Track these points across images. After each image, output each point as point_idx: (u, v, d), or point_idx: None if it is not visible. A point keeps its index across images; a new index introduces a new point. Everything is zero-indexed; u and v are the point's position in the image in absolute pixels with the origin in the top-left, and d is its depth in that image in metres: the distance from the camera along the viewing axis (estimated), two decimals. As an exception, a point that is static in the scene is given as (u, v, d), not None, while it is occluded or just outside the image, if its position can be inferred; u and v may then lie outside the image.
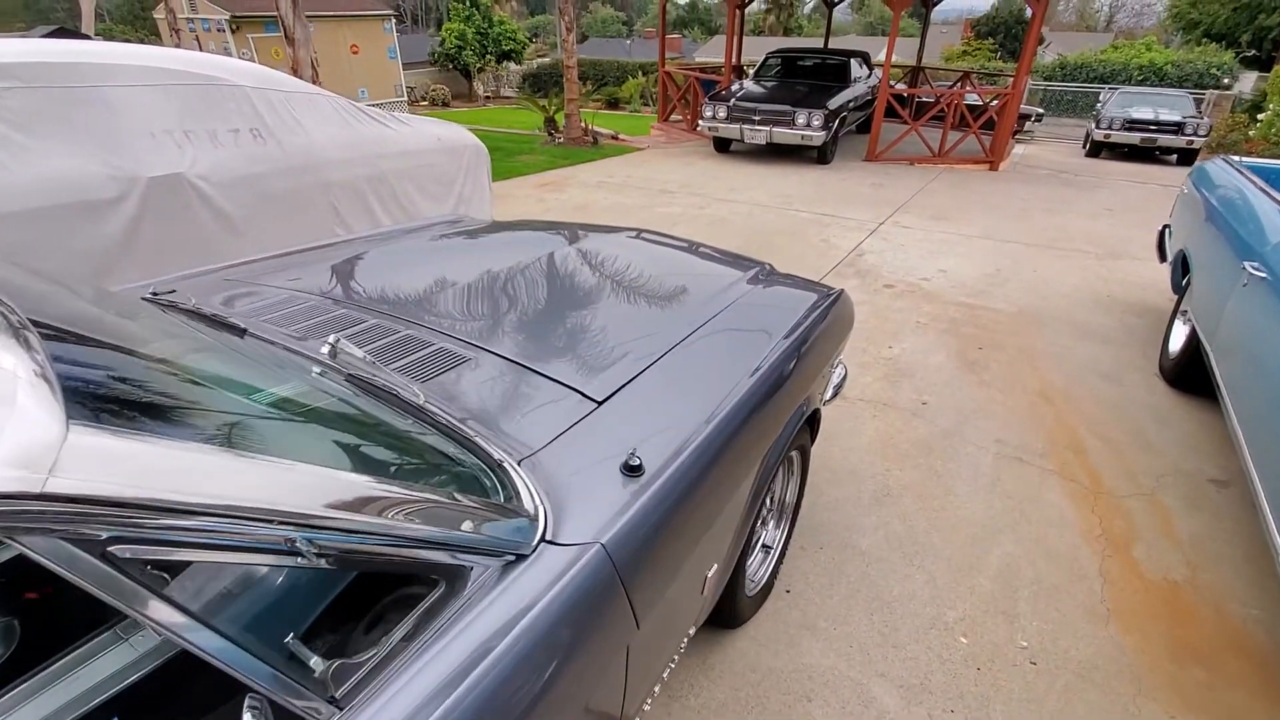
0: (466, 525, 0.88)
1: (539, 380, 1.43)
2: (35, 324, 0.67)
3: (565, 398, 1.37)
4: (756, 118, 9.28)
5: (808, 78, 10.50)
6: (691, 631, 1.55)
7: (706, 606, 1.61)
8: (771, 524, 2.19)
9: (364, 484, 0.79)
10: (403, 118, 4.67)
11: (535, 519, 1.01)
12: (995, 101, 9.85)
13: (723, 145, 10.21)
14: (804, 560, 2.34)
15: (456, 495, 0.92)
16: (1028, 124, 13.40)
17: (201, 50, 14.73)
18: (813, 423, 2.19)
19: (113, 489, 0.55)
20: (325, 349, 1.37)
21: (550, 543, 1.00)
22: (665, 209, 7.04)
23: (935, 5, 14.21)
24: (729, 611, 1.89)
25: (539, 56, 26.03)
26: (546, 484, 1.11)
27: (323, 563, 0.71)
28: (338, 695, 0.73)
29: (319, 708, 0.71)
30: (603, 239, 2.44)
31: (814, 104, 9.14)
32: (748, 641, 2.01)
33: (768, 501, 2.06)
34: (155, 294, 1.62)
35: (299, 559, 0.68)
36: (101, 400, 0.67)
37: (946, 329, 4.31)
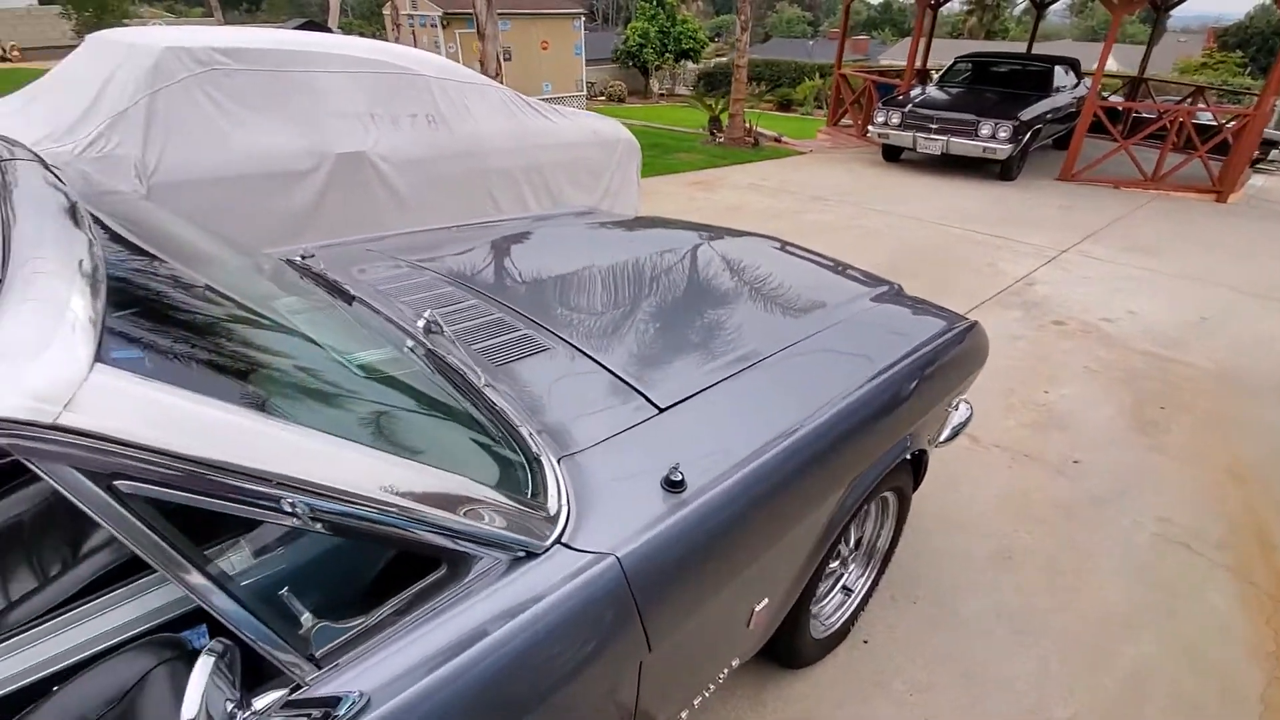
0: (482, 515, 0.89)
1: (608, 379, 1.42)
2: (116, 276, 0.76)
3: (628, 400, 1.35)
4: (933, 125, 8.59)
5: (1001, 85, 9.54)
6: (735, 664, 1.47)
7: (755, 641, 1.52)
8: (854, 567, 2.02)
9: (379, 459, 0.82)
10: (564, 111, 4.89)
11: (555, 519, 1.00)
12: (1233, 123, 8.30)
13: (892, 154, 9.59)
14: (890, 612, 2.14)
15: (482, 483, 0.93)
16: (1272, 152, 11.19)
17: (415, 43, 16.45)
18: (919, 465, 1.99)
19: (128, 431, 0.61)
20: (420, 323, 1.46)
21: (565, 546, 0.98)
22: (815, 216, 6.76)
23: (1170, 9, 12.28)
24: (788, 650, 1.77)
25: (717, 56, 26.10)
26: (581, 485, 1.10)
27: (318, 527, 0.75)
28: (318, 654, 0.76)
29: (299, 664, 0.75)
30: (721, 243, 2.39)
31: (1003, 114, 8.29)
32: (809, 685, 1.88)
33: (847, 542, 1.91)
34: (302, 257, 1.83)
35: (294, 520, 0.72)
36: (155, 349, 0.75)
37: (1122, 379, 3.73)
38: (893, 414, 1.62)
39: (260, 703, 0.65)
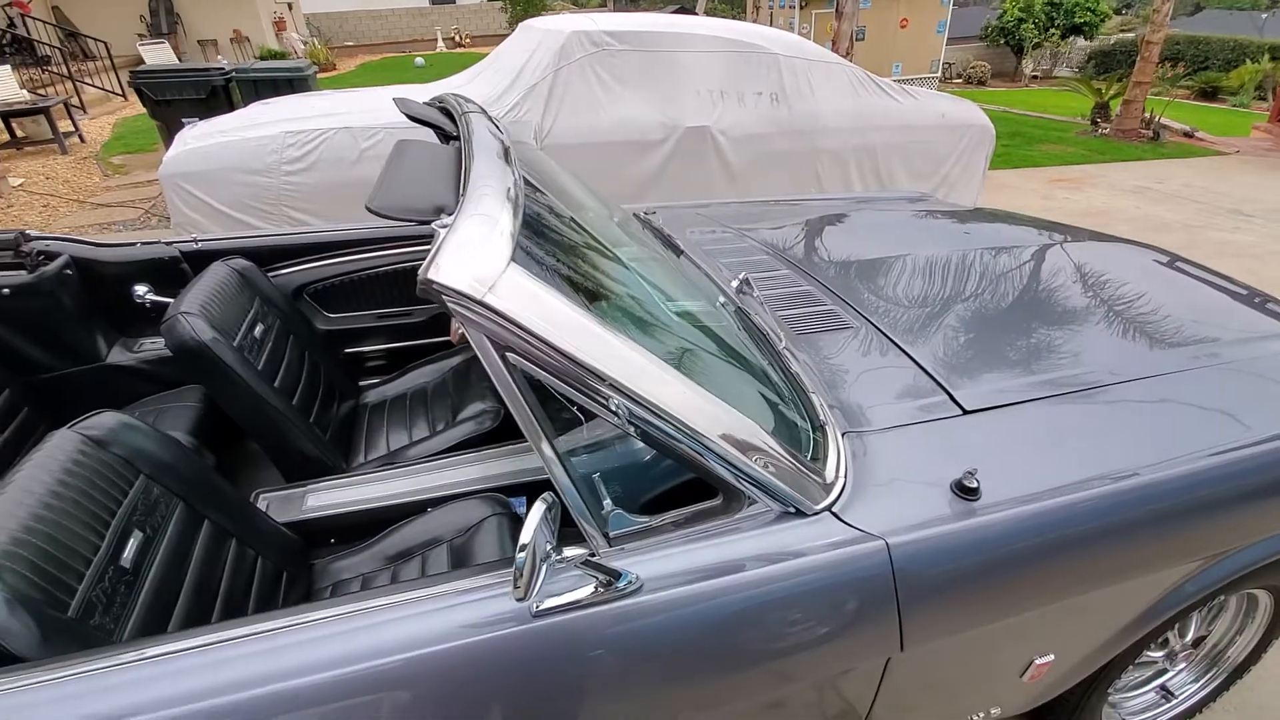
0: (763, 462, 0.95)
1: (912, 369, 1.35)
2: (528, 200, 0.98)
3: (930, 394, 1.28)
4: None
5: None
6: (995, 712, 1.32)
7: (1028, 698, 1.34)
8: (1185, 667, 1.62)
9: (689, 387, 0.93)
10: (915, 91, 4.59)
11: (829, 488, 1.01)
12: None
13: (1382, 163, 6.94)
14: (1226, 738, 1.67)
15: (769, 434, 0.99)
16: None
17: (772, 24, 16.84)
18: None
19: (521, 316, 0.80)
20: (735, 282, 1.57)
21: (836, 516, 0.99)
22: (1224, 235, 5.28)
23: None
24: (1068, 725, 1.51)
25: (1122, 31, 21.56)
26: (865, 465, 1.09)
27: (631, 430, 0.88)
28: (611, 534, 0.91)
29: (597, 536, 0.90)
30: (1077, 246, 2.04)
31: None
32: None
33: (1182, 635, 1.53)
34: (646, 213, 2.08)
35: (615, 417, 0.86)
36: (544, 264, 0.95)
37: None
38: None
39: (569, 552, 0.80)
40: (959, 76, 19.04)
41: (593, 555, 0.86)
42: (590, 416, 0.89)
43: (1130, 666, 1.38)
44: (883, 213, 2.45)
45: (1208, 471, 1.16)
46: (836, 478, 1.04)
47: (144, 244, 2.13)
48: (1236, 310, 1.74)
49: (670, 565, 0.91)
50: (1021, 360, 1.42)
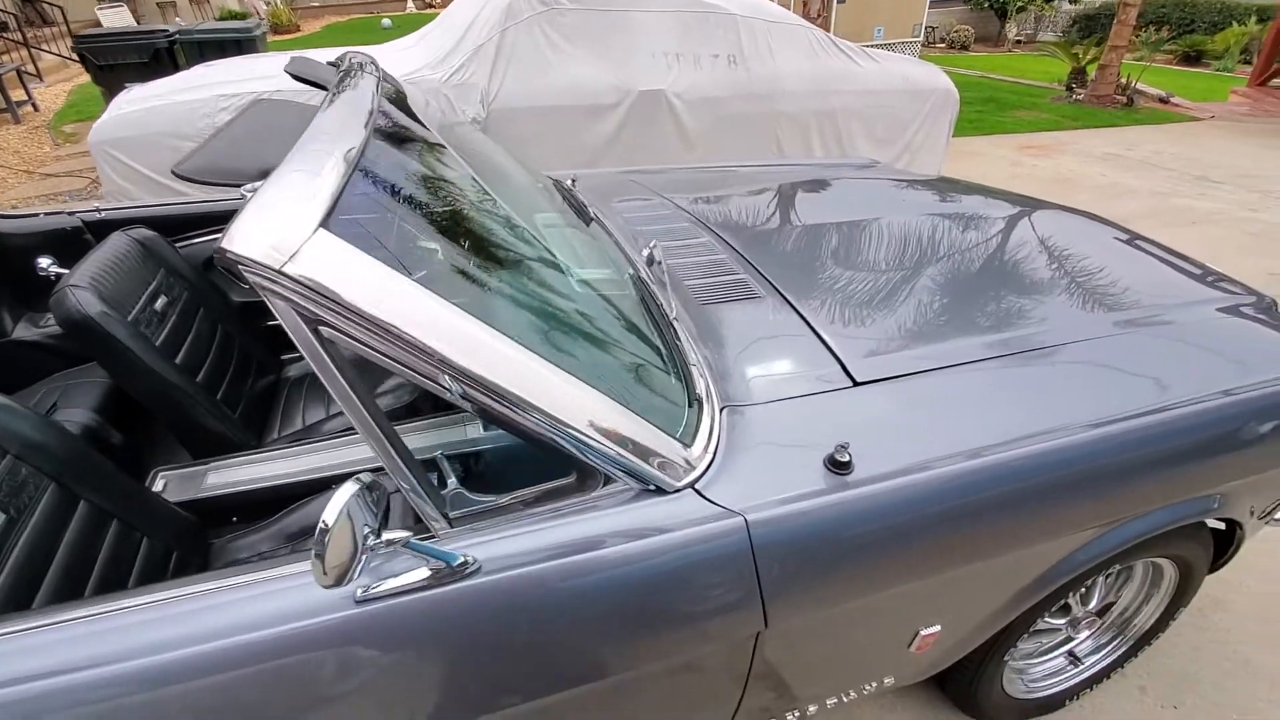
0: (623, 440, 0.91)
1: (810, 340, 1.32)
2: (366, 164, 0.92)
3: (823, 366, 1.24)
4: None
5: None
6: (889, 681, 1.32)
7: (920, 668, 1.34)
8: (1091, 634, 1.63)
9: (536, 363, 0.88)
10: (876, 54, 4.49)
11: (695, 464, 0.98)
12: None
13: (1351, 129, 6.93)
14: (1131, 705, 1.70)
15: (633, 410, 0.94)
16: None
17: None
18: (1231, 539, 1.50)
19: (331, 285, 0.74)
20: (646, 251, 1.52)
21: (698, 492, 0.96)
22: (1189, 201, 5.27)
23: None
24: (966, 696, 1.53)
25: (1108, -7, 21.27)
26: (740, 441, 1.05)
27: (468, 407, 0.83)
28: (451, 514, 0.87)
29: (436, 518, 0.86)
30: (1012, 211, 2.00)
31: None
32: (989, 741, 1.61)
33: (1085, 602, 1.54)
34: (572, 181, 2.00)
35: (448, 394, 0.81)
36: (393, 233, 0.89)
37: None
38: (1194, 462, 1.23)
39: (390, 535, 0.76)
40: (942, 41, 18.76)
41: (421, 537, 0.82)
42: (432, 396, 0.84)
43: (1027, 634, 1.38)
44: (823, 180, 2.39)
45: (1113, 438, 1.14)
46: (705, 453, 1.00)
47: (46, 214, 2.04)
48: (1167, 276, 1.71)
49: (516, 546, 0.87)
50: (931, 329, 1.38)
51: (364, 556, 0.75)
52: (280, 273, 0.72)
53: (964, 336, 1.35)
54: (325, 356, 0.77)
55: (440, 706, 0.86)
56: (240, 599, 0.81)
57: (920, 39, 17.90)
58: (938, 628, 1.21)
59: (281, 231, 0.73)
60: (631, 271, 1.42)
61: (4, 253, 1.99)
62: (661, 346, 1.17)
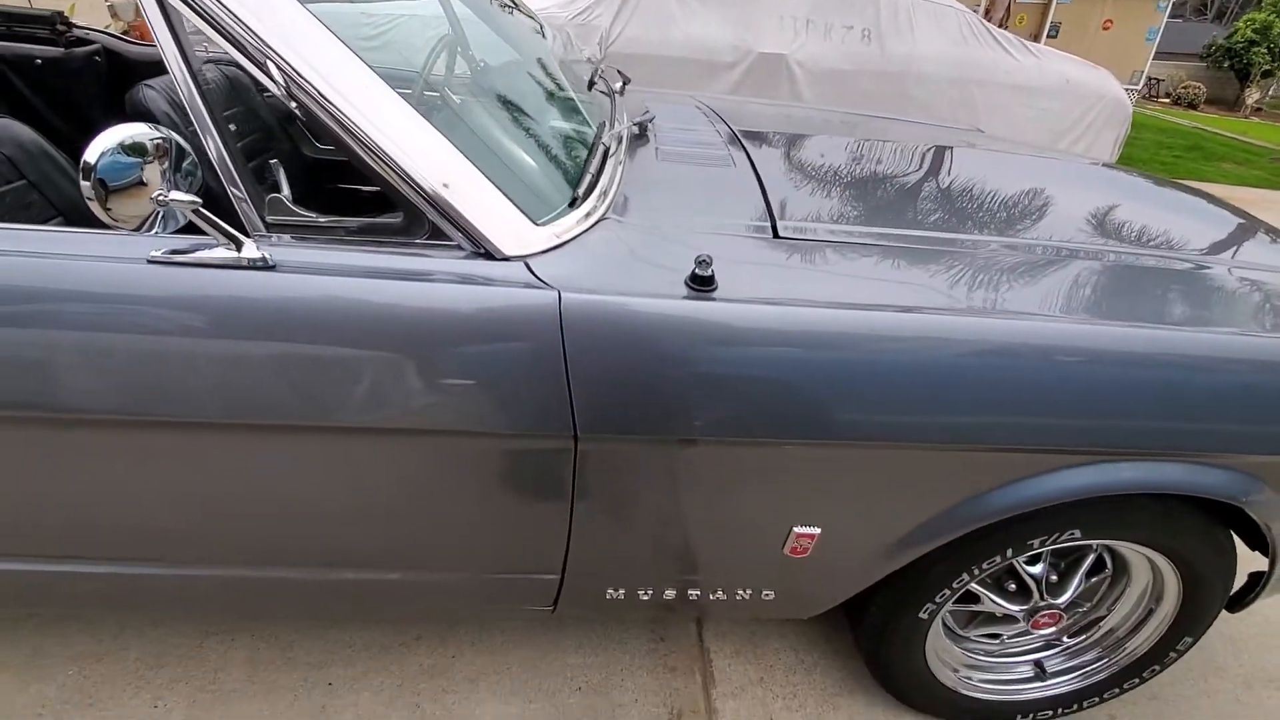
0: (466, 199, 0.87)
1: (756, 196, 1.20)
2: None
3: (755, 216, 1.12)
4: None
5: None
6: (767, 594, 1.15)
7: (807, 585, 1.15)
8: (1070, 645, 1.33)
9: (390, 97, 0.85)
10: (1037, 49, 4.05)
11: (534, 244, 0.90)
12: None
13: None
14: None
15: (482, 174, 0.89)
16: None
17: None
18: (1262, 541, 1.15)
19: None
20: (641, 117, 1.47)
21: (528, 266, 0.89)
22: None
23: None
24: (876, 658, 1.29)
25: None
26: (607, 243, 0.97)
27: (292, 105, 0.83)
28: (269, 219, 0.87)
29: (251, 215, 0.86)
30: (1066, 166, 1.72)
31: None
32: (910, 733, 1.36)
33: (1038, 585, 1.25)
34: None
35: (273, 84, 0.81)
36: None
37: None
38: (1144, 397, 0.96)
39: (175, 195, 0.77)
40: (1166, 95, 16.73)
41: (241, 236, 0.81)
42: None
43: (951, 592, 1.14)
44: (887, 125, 2.18)
45: (1007, 334, 0.92)
46: (554, 239, 0.93)
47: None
48: (1197, 225, 1.40)
49: (324, 258, 0.85)
50: (872, 215, 1.23)
51: (159, 212, 0.77)
52: None
53: (920, 224, 1.18)
54: (167, 30, 0.79)
55: (214, 390, 0.85)
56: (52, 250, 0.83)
57: (1139, 86, 16.06)
58: (816, 530, 1.03)
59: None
60: (583, 98, 1.37)
61: (130, 76, 2.30)
62: (565, 158, 1.11)
